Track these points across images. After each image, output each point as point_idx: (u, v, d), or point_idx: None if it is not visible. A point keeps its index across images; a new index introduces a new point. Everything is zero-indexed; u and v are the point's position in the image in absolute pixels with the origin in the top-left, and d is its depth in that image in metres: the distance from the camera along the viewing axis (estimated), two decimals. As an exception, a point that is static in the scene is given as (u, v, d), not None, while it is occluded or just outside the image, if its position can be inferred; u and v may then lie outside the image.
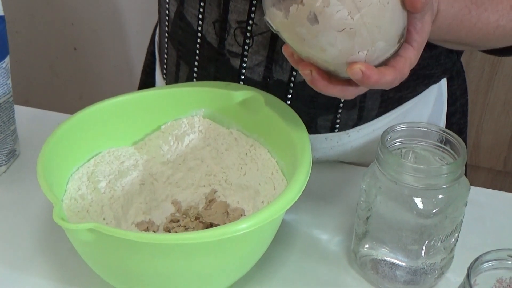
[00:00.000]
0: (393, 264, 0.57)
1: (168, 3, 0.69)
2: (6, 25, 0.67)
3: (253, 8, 0.62)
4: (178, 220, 0.58)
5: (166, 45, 0.72)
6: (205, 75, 0.68)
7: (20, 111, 0.81)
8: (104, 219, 0.56)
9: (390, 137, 0.57)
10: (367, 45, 0.47)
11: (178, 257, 0.49)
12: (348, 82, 0.50)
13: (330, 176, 0.72)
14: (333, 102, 0.67)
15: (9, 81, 0.69)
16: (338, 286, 0.59)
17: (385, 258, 0.58)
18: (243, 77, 0.66)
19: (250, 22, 0.63)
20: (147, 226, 0.57)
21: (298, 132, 0.58)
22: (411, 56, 0.50)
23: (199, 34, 0.67)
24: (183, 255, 0.49)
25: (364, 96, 0.68)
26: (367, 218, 0.58)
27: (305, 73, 0.50)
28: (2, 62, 0.67)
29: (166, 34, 0.71)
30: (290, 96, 0.66)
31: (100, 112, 0.62)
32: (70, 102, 1.72)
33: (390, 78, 0.49)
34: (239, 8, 0.63)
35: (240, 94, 0.62)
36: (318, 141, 0.69)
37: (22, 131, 0.76)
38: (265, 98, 0.61)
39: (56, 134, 0.58)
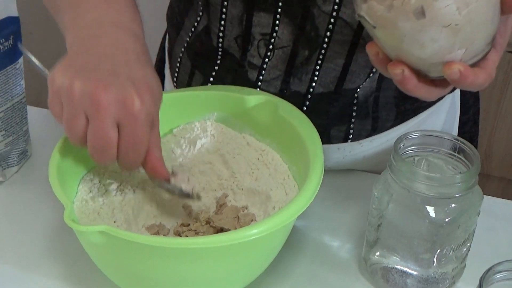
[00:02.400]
0: (404, 272, 0.57)
1: (200, 16, 0.68)
2: (20, 26, 0.68)
3: (277, 22, 0.62)
4: (189, 224, 0.58)
5: (181, 54, 0.72)
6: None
7: (33, 111, 0.81)
8: (114, 221, 0.56)
9: (403, 145, 0.56)
10: (467, 43, 0.47)
11: (188, 261, 0.49)
12: (433, 82, 0.50)
13: (342, 183, 0.71)
14: (346, 112, 0.67)
15: (22, 81, 0.69)
16: (348, 293, 0.59)
17: (396, 266, 0.57)
18: (258, 89, 0.66)
19: (274, 34, 0.63)
20: (157, 230, 0.57)
21: (310, 138, 0.58)
22: (496, 59, 0.50)
23: (220, 49, 0.67)
24: (193, 259, 0.48)
25: (376, 106, 0.68)
26: (379, 225, 0.57)
27: (396, 73, 0.49)
28: (15, 63, 0.67)
29: (185, 44, 0.71)
30: (305, 108, 0.66)
31: (112, 115, 0.61)
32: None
33: (482, 80, 0.48)
34: (262, 22, 0.63)
35: (253, 98, 0.62)
36: (330, 151, 0.69)
37: (34, 132, 0.76)
38: (278, 103, 0.61)
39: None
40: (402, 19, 0.46)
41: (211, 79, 0.69)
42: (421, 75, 0.49)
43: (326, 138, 0.68)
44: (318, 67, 0.64)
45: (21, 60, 0.68)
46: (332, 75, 0.65)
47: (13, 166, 0.71)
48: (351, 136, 0.69)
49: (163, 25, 0.84)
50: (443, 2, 0.45)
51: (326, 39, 0.62)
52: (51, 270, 0.60)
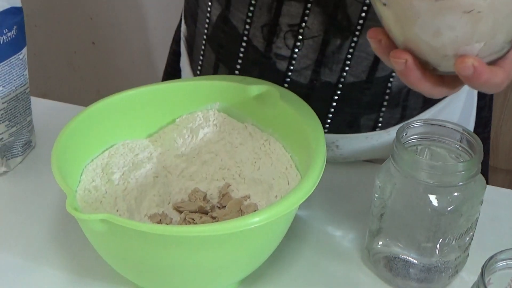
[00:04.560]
0: (406, 261, 0.57)
1: (210, 6, 0.67)
2: (24, 17, 0.68)
3: (307, 11, 0.61)
4: (193, 219, 0.57)
5: (203, 47, 0.71)
6: None
7: (37, 102, 0.81)
8: (117, 210, 0.56)
9: (406, 134, 0.56)
10: (487, 36, 0.42)
11: (189, 250, 0.49)
12: (441, 79, 0.46)
13: (345, 172, 0.71)
14: (377, 101, 0.66)
15: (26, 72, 0.69)
16: (351, 283, 0.59)
17: (399, 255, 0.57)
18: (288, 79, 0.65)
19: (303, 25, 0.62)
20: (160, 219, 0.57)
21: (313, 127, 0.57)
22: None
23: (245, 38, 0.65)
24: (195, 247, 0.48)
25: (407, 94, 0.67)
26: (381, 215, 0.57)
27: (399, 62, 0.44)
28: (19, 53, 0.67)
29: (204, 37, 0.70)
30: (336, 97, 0.65)
31: (115, 104, 0.62)
32: (88, 96, 1.73)
33: (500, 79, 0.44)
34: (292, 11, 0.62)
35: (255, 88, 0.62)
36: (358, 140, 0.68)
37: (38, 122, 0.77)
38: (280, 93, 0.61)
39: (71, 125, 0.58)
40: None
41: (237, 72, 0.67)
42: (428, 68, 0.45)
43: (356, 127, 0.67)
44: (349, 56, 0.62)
45: (24, 50, 0.68)
46: (363, 64, 0.63)
47: (17, 156, 0.72)
48: (380, 124, 0.68)
49: (175, 18, 0.83)
50: None
51: (359, 27, 0.61)
52: (55, 260, 0.60)
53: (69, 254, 0.61)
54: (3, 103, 0.67)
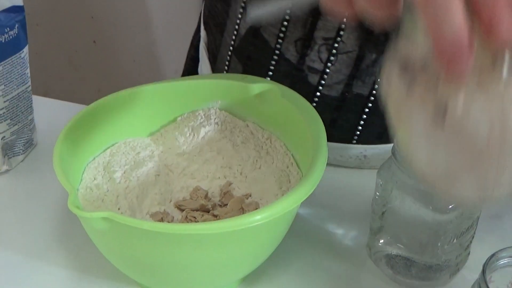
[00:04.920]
0: (408, 259, 0.57)
1: (240, 19, 0.66)
2: (26, 16, 0.68)
3: (343, 26, 0.60)
4: (195, 217, 0.57)
5: (228, 58, 0.70)
6: None
7: (39, 101, 0.81)
8: (119, 209, 0.56)
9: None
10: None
11: (190, 248, 0.49)
12: None
13: (347, 171, 0.71)
14: None
15: (27, 71, 0.69)
16: (352, 281, 0.59)
17: (400, 253, 0.57)
18: (319, 94, 0.64)
19: (338, 39, 0.61)
20: (161, 217, 0.57)
21: (314, 126, 0.57)
22: None
23: (277, 51, 0.65)
24: (196, 245, 0.48)
25: None
26: (383, 213, 0.57)
27: None
28: (20, 52, 0.67)
29: (231, 48, 0.69)
30: (367, 109, 0.64)
31: (117, 103, 0.62)
32: (89, 95, 1.73)
33: None
34: (328, 26, 0.61)
35: (256, 86, 0.62)
36: (387, 151, 0.67)
37: (40, 121, 0.77)
38: (281, 91, 0.61)
39: (73, 124, 0.58)
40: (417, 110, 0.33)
41: None
42: None
43: (385, 138, 0.67)
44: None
45: (26, 49, 0.68)
46: None
47: (18, 155, 0.72)
48: None
49: (177, 17, 0.83)
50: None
51: None
52: (57, 258, 0.60)
53: (71, 252, 0.61)
54: (4, 101, 0.67)
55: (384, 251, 0.59)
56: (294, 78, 0.64)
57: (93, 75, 1.72)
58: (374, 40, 0.60)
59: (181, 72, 0.90)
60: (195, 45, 0.84)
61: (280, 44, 0.64)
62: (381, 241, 0.58)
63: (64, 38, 1.67)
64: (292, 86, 0.63)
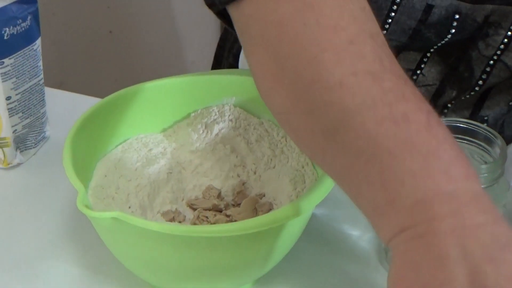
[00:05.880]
0: (425, 264, 0.55)
1: None
2: (41, 5, 0.67)
3: (425, 59, 0.59)
4: (207, 217, 0.56)
5: None
6: None
7: (53, 94, 0.80)
8: (129, 207, 0.55)
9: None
10: None
11: (200, 250, 0.47)
12: None
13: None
14: None
15: (40, 63, 0.68)
16: (367, 283, 0.57)
17: (417, 257, 0.56)
18: None
19: (418, 72, 0.59)
20: (173, 216, 0.56)
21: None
22: None
23: None
24: (206, 248, 0.47)
25: (502, 126, 0.64)
26: (400, 215, 0.55)
27: None
28: (33, 44, 0.66)
29: None
30: None
31: (130, 98, 0.60)
32: (105, 85, 1.72)
33: None
34: (409, 58, 0.59)
35: (272, 83, 0.60)
36: None
37: (53, 114, 0.76)
38: (298, 88, 0.59)
39: (84, 119, 0.57)
40: None
41: None
42: None
43: None
44: (454, 101, 0.60)
45: (38, 41, 0.67)
46: (470, 103, 0.61)
47: (31, 148, 0.71)
48: None
49: (197, 7, 0.81)
50: None
51: (481, 82, 0.57)
52: (66, 255, 0.59)
53: (81, 249, 0.60)
54: (16, 94, 0.66)
55: (400, 254, 0.57)
56: None
57: (109, 65, 1.71)
58: (457, 75, 0.58)
59: (198, 64, 0.89)
60: (234, 54, 0.82)
61: None
62: (398, 244, 0.57)
63: (80, 28, 1.67)
64: None
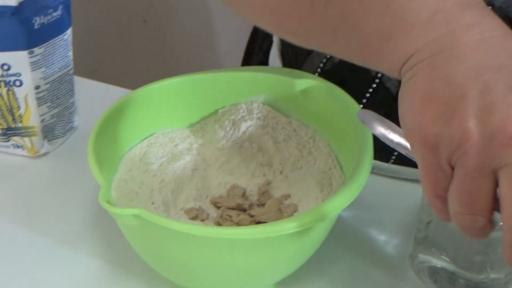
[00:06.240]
0: (452, 274, 0.54)
1: None
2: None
3: None
4: (230, 216, 0.55)
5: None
6: None
7: (84, 83, 0.80)
8: (152, 203, 0.55)
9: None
10: None
11: (221, 251, 0.47)
12: None
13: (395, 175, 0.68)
14: None
15: (70, 53, 0.68)
16: (392, 291, 0.56)
17: (444, 266, 0.54)
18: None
19: None
20: (196, 214, 0.55)
21: (361, 127, 0.54)
22: None
23: (377, 80, 0.62)
24: (227, 249, 0.46)
25: None
26: (428, 222, 0.54)
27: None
28: (64, 34, 0.66)
29: (318, 70, 0.66)
30: None
31: (158, 92, 0.60)
32: (138, 73, 1.73)
33: None
34: None
35: (302, 82, 0.59)
36: None
37: (83, 104, 0.76)
38: (328, 89, 0.58)
39: (111, 111, 0.57)
40: None
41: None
42: None
43: None
44: None
45: (69, 31, 0.67)
46: None
47: (58, 138, 0.71)
48: None
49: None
50: None
51: None
52: (88, 246, 0.59)
53: (104, 242, 0.60)
54: (45, 84, 0.66)
55: (427, 262, 0.55)
56: (391, 108, 0.60)
57: (142, 54, 1.72)
58: None
59: (232, 55, 0.89)
60: (264, 50, 0.81)
61: (382, 73, 0.60)
62: (425, 252, 0.55)
63: (115, 16, 1.67)
64: (388, 116, 0.59)
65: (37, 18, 0.62)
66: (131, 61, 1.73)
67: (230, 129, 0.60)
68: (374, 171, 0.66)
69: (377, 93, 0.62)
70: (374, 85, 0.62)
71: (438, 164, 0.38)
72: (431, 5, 0.38)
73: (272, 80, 0.61)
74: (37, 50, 0.63)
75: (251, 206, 0.56)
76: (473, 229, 0.39)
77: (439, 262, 0.54)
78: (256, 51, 0.85)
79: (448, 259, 0.54)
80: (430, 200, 0.41)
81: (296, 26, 0.48)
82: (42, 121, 0.67)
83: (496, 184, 0.37)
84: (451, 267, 0.54)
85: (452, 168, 0.38)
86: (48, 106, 0.67)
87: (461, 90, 0.36)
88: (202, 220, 0.55)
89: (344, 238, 0.60)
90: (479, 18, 0.37)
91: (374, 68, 0.45)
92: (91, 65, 1.71)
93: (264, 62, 0.79)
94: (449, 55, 0.37)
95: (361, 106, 0.63)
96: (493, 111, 0.35)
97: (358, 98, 0.62)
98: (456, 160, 0.37)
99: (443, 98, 0.36)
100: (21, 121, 0.67)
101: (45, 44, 0.64)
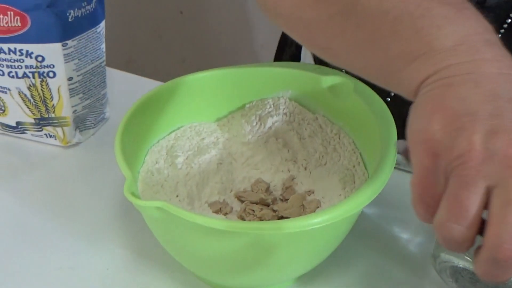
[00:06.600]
0: (474, 274, 0.53)
1: None
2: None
3: None
4: (253, 210, 0.56)
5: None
6: None
7: (116, 75, 0.82)
8: (177, 196, 0.56)
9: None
10: None
11: (243, 245, 0.47)
12: None
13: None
14: None
15: (103, 45, 0.69)
16: (413, 289, 0.56)
17: (467, 267, 0.54)
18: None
19: None
20: (220, 207, 0.56)
21: (385, 125, 0.55)
22: None
23: None
24: (249, 244, 0.47)
25: None
26: (452, 222, 0.54)
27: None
28: (97, 26, 0.67)
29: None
30: None
31: (186, 85, 0.61)
32: (172, 65, 1.74)
33: None
34: None
35: (329, 78, 0.59)
36: None
37: (115, 95, 0.77)
38: (355, 86, 0.58)
39: (140, 103, 0.58)
40: None
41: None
42: None
43: None
44: None
45: (102, 24, 0.68)
46: None
47: (90, 128, 0.72)
48: None
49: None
50: None
51: None
52: (115, 236, 0.60)
53: (129, 232, 0.61)
54: (78, 75, 0.67)
55: (449, 262, 0.55)
56: None
57: (178, 45, 1.73)
58: None
59: (267, 48, 0.89)
60: (296, 43, 0.81)
61: None
62: (448, 251, 0.55)
63: (151, 7, 1.68)
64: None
65: (71, 11, 0.64)
66: (166, 52, 1.74)
67: (256, 124, 0.61)
68: (399, 167, 0.66)
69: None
70: None
71: (433, 170, 0.39)
72: (458, 37, 0.41)
73: (299, 76, 0.61)
74: (70, 43, 0.65)
75: (274, 200, 0.57)
76: (454, 241, 0.40)
77: (461, 262, 0.54)
78: (289, 44, 0.85)
79: (470, 259, 0.53)
80: (415, 204, 0.42)
81: (326, 42, 0.50)
82: (74, 111, 0.69)
83: (484, 204, 0.38)
84: (473, 267, 0.54)
85: (446, 179, 0.39)
86: (80, 97, 0.69)
87: (472, 109, 0.38)
88: (226, 214, 0.56)
89: (366, 235, 0.60)
90: (499, 56, 0.40)
91: (392, 89, 0.46)
92: (125, 56, 1.73)
93: (296, 55, 0.80)
94: (468, 79, 0.39)
95: (388, 99, 0.63)
96: (499, 132, 0.37)
97: (383, 95, 0.62)
98: (453, 168, 0.38)
99: (453, 111, 0.38)
100: (54, 112, 0.68)
101: (78, 37, 0.65)
